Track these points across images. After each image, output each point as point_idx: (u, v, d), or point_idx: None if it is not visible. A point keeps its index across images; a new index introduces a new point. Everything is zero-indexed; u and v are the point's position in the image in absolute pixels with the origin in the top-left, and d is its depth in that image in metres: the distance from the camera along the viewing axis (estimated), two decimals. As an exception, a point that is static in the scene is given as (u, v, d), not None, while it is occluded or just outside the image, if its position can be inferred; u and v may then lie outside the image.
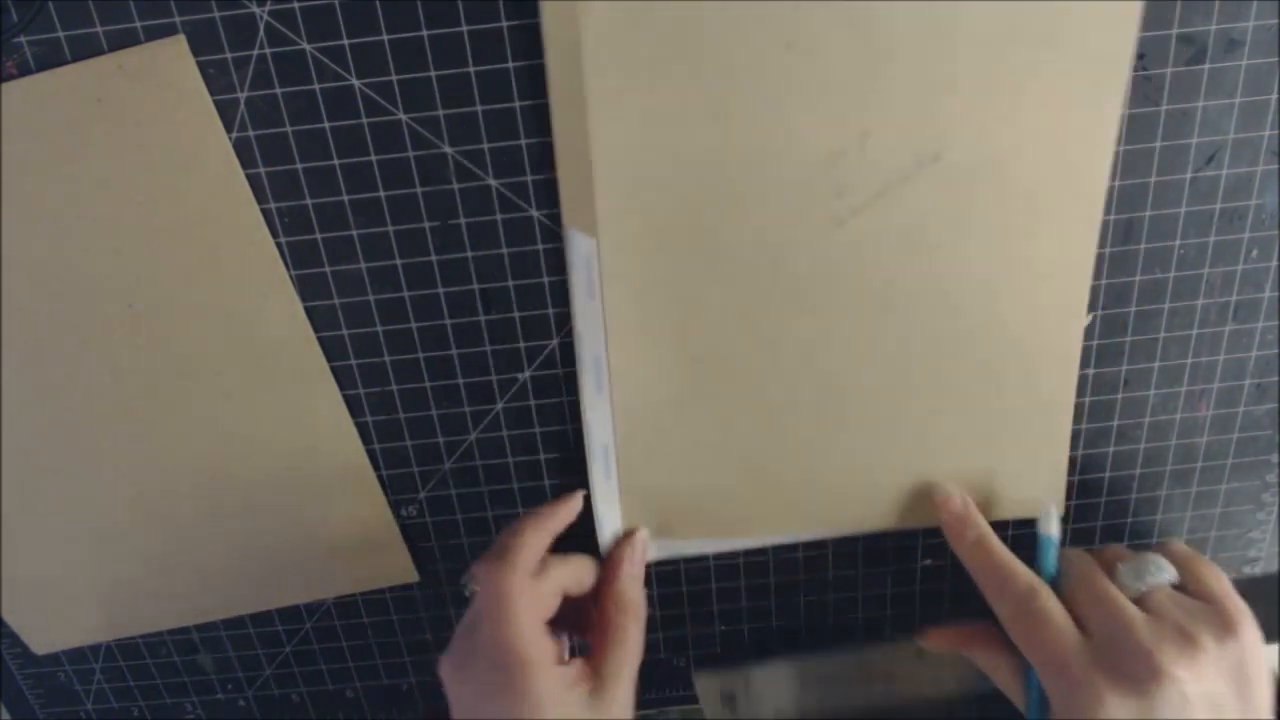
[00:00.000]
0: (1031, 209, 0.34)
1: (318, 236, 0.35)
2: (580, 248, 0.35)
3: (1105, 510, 0.41)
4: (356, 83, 0.33)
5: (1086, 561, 0.37)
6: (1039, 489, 0.40)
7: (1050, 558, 0.37)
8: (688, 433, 0.38)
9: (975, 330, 0.36)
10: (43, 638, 0.44)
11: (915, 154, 0.33)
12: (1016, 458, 0.39)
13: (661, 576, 0.43)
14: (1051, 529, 0.37)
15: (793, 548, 0.42)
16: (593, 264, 0.35)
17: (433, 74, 0.32)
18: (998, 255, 0.35)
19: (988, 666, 0.38)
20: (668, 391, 0.37)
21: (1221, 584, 0.35)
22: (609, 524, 0.40)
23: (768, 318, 0.36)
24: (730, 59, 0.32)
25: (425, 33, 0.32)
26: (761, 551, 0.42)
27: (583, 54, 0.31)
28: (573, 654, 0.37)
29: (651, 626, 0.44)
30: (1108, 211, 0.35)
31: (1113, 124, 0.33)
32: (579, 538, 0.42)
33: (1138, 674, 0.32)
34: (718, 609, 0.44)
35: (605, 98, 0.32)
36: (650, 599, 0.43)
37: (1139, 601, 0.35)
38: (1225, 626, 0.33)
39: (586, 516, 0.41)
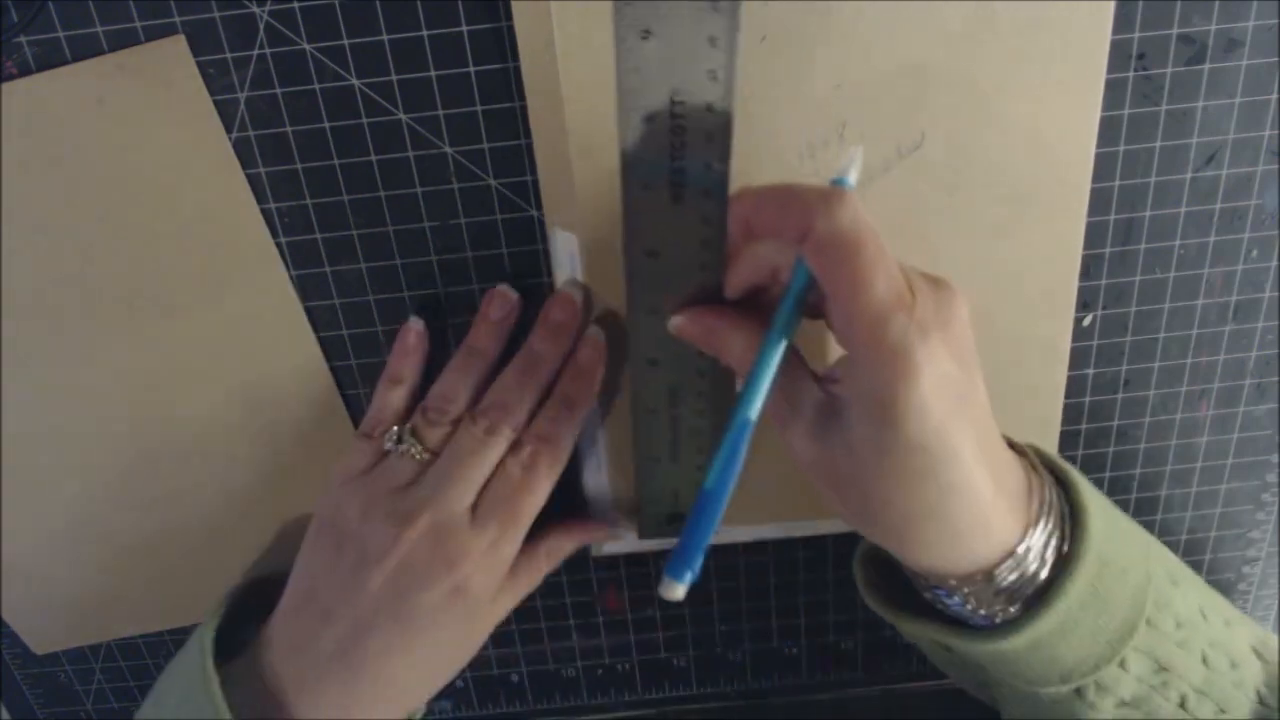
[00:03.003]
0: (1017, 197, 0.34)
1: (318, 236, 0.35)
2: (563, 244, 0.35)
3: (1105, 510, 0.42)
4: (356, 83, 0.33)
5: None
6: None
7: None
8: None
9: None
10: (42, 638, 0.44)
11: (896, 144, 0.33)
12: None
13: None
14: (851, 175, 0.30)
15: (793, 546, 0.42)
16: (576, 260, 0.35)
17: (433, 74, 0.32)
18: (984, 244, 0.35)
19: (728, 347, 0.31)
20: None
21: None
22: (600, 515, 0.41)
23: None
24: None
25: (425, 33, 0.32)
26: (762, 550, 0.42)
27: (557, 53, 0.32)
28: None
29: (651, 626, 0.44)
30: (1108, 211, 0.35)
31: (1095, 108, 0.33)
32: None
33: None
34: (718, 609, 0.44)
35: (580, 96, 0.32)
36: (651, 598, 0.44)
37: None
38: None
39: (579, 508, 0.41)
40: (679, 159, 0.29)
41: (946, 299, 0.28)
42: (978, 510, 0.28)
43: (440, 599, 0.34)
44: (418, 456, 0.35)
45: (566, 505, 0.41)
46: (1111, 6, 0.32)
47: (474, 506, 0.34)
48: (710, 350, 0.31)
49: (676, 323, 0.31)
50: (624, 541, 0.42)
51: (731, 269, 0.31)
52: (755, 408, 0.29)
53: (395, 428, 0.35)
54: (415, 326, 0.36)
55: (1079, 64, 0.32)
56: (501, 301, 0.36)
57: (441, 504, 0.34)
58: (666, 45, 0.27)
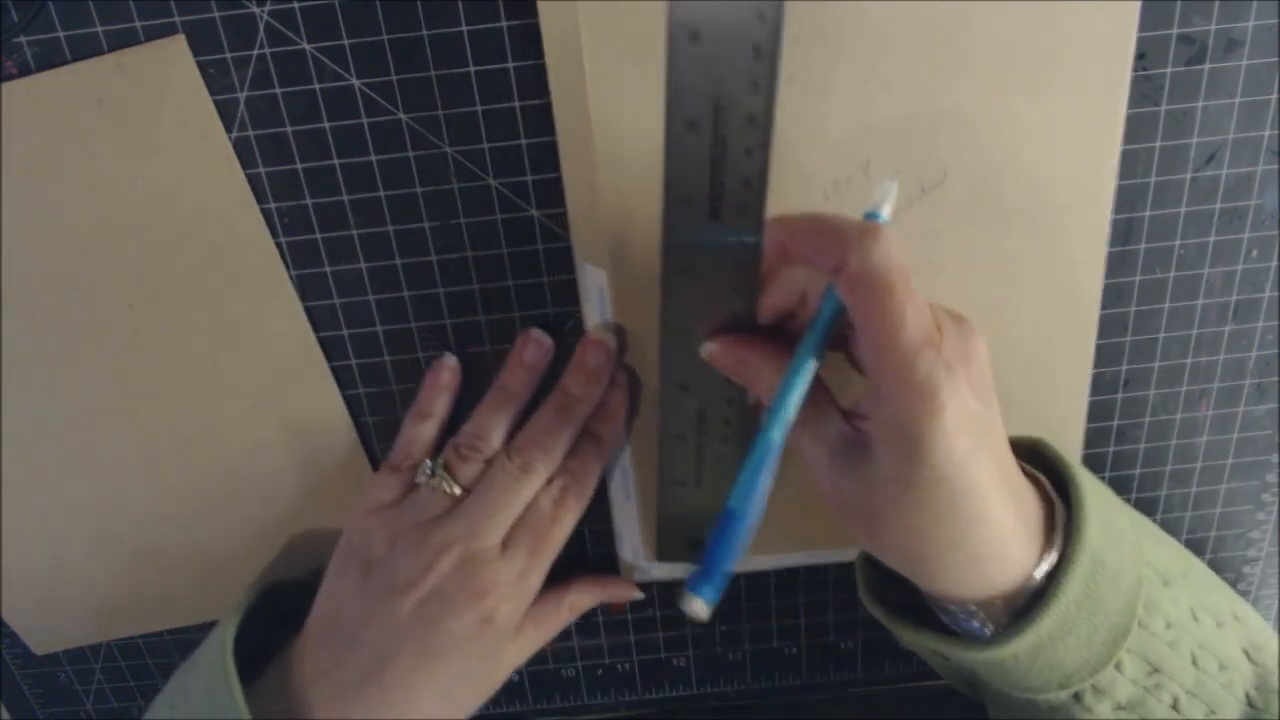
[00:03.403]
0: (1038, 231, 0.35)
1: (318, 236, 0.35)
2: (592, 279, 0.36)
3: (1105, 510, 0.42)
4: (356, 83, 0.33)
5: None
6: None
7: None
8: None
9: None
10: (42, 638, 0.44)
11: (919, 180, 0.34)
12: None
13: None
14: (885, 209, 0.30)
15: (793, 548, 0.42)
16: (605, 294, 0.36)
17: (433, 74, 0.32)
18: (1005, 275, 0.36)
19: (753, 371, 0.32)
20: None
21: None
22: (629, 542, 0.41)
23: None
24: None
25: (425, 33, 0.32)
26: (761, 551, 0.42)
27: (588, 90, 0.32)
28: None
29: (651, 626, 0.44)
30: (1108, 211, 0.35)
31: (1115, 145, 0.34)
32: (599, 557, 0.42)
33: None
34: (718, 609, 0.44)
35: (610, 139, 0.33)
36: (650, 599, 0.44)
37: None
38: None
39: (607, 534, 0.41)
40: (719, 172, 0.29)
41: (967, 334, 0.28)
42: (997, 540, 0.29)
43: (468, 628, 0.34)
44: (449, 491, 0.35)
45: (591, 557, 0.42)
46: (1132, 49, 0.32)
47: (503, 539, 0.35)
48: (740, 380, 0.32)
49: (709, 349, 0.32)
50: (650, 572, 0.42)
51: (763, 292, 0.31)
52: (779, 429, 0.29)
53: (428, 461, 0.36)
54: (449, 364, 0.37)
55: (1100, 102, 0.33)
56: (535, 346, 0.36)
57: (474, 538, 0.35)
58: (713, 50, 0.27)
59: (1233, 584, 0.44)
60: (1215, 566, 0.43)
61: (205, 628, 0.44)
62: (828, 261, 0.27)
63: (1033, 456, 0.34)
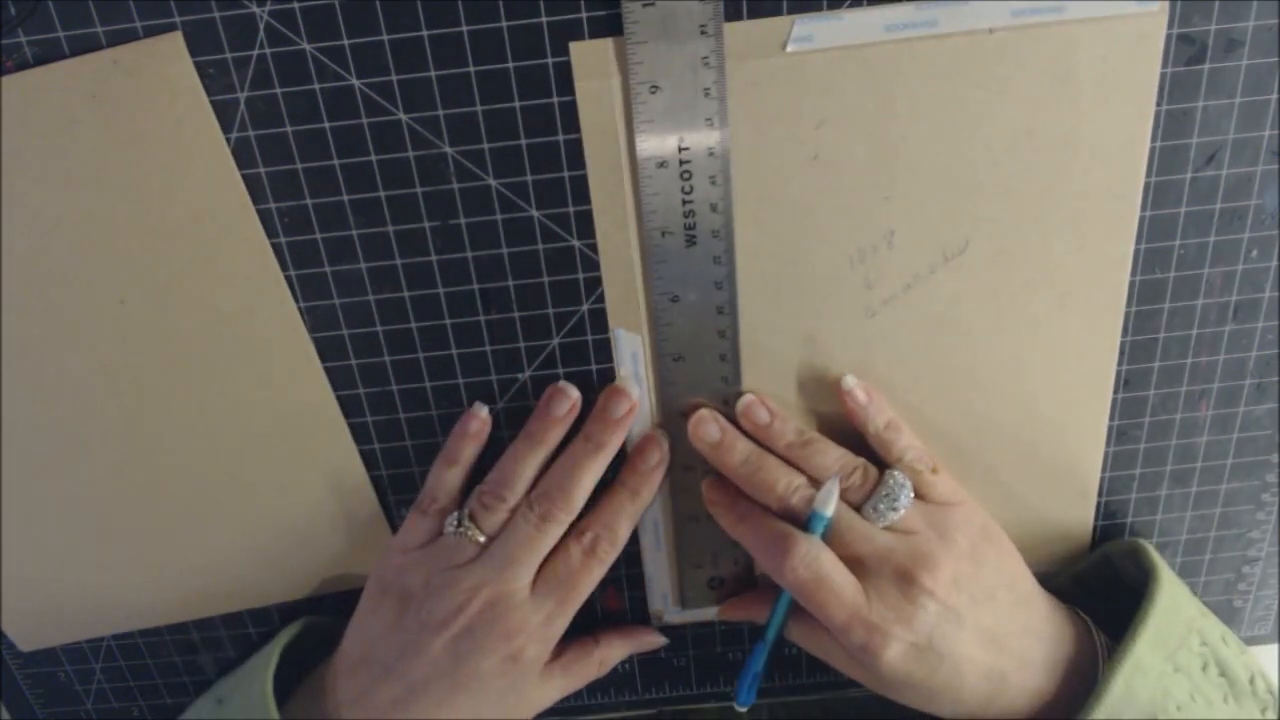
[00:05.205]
0: (1058, 293, 0.36)
1: (318, 236, 0.35)
2: (626, 344, 0.37)
3: (1105, 510, 0.41)
4: (356, 83, 0.33)
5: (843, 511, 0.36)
6: (1068, 546, 0.42)
7: (818, 531, 0.36)
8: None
9: (1004, 406, 0.38)
10: (28, 635, 0.44)
11: (942, 248, 0.35)
12: (1045, 524, 0.41)
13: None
14: (827, 509, 0.35)
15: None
16: (639, 358, 0.37)
17: (433, 74, 0.32)
18: (1025, 336, 0.37)
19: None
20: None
21: (934, 486, 0.36)
22: (659, 591, 0.42)
23: (805, 403, 0.38)
24: (761, 171, 0.33)
25: (425, 33, 0.32)
26: (761, 551, 0.42)
27: (624, 178, 0.34)
28: None
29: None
30: (1108, 212, 0.35)
31: (1134, 209, 0.34)
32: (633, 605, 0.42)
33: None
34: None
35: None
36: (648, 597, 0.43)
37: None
38: (942, 535, 0.35)
39: (639, 580, 0.42)
40: (689, 202, 0.33)
41: (914, 592, 0.34)
42: (981, 692, 0.34)
43: (495, 665, 0.36)
44: (474, 539, 0.37)
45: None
46: (1149, 122, 0.33)
47: (533, 582, 0.37)
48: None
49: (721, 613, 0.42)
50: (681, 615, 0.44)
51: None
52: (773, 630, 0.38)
53: (455, 513, 0.37)
54: (479, 414, 0.38)
55: (1120, 170, 0.34)
56: (561, 399, 0.37)
57: (501, 583, 0.36)
58: (671, 97, 0.32)
59: (1233, 584, 0.44)
60: (1215, 566, 0.43)
61: (205, 628, 0.44)
62: (769, 570, 0.35)
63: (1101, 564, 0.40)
